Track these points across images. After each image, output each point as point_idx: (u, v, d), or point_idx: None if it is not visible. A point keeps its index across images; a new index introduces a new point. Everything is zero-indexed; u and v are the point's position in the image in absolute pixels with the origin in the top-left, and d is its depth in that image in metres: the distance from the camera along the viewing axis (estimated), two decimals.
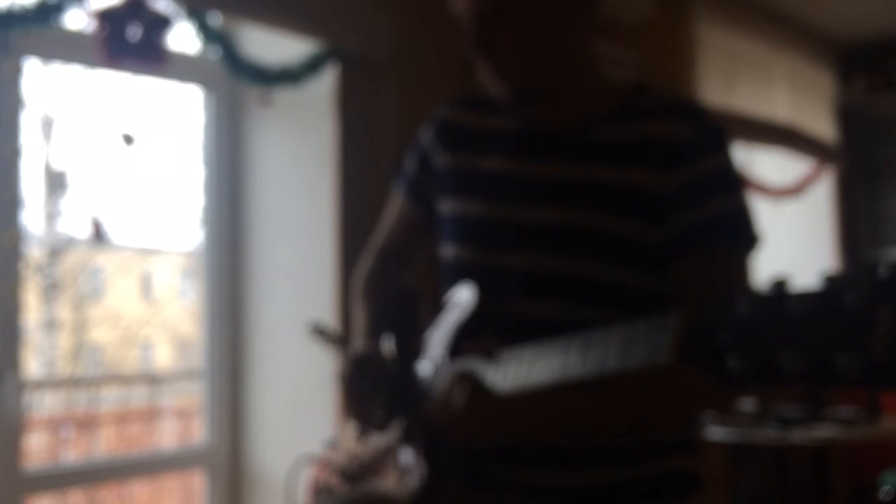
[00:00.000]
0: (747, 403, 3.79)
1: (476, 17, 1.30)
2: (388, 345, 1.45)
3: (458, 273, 1.39)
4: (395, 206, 1.57)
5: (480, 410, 1.19)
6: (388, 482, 1.38)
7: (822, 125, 5.22)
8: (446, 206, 1.45)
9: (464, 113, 1.48)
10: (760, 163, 4.94)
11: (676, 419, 1.31)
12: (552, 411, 1.21)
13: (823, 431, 3.47)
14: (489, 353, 1.19)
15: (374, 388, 1.39)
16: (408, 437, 1.35)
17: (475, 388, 1.19)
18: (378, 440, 1.42)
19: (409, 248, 1.59)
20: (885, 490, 3.94)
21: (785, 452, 3.97)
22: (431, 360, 1.36)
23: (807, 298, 0.78)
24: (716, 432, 3.53)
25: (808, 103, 5.10)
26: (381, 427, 1.40)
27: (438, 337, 1.36)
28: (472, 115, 1.47)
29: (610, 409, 1.23)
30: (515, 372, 1.15)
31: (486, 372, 1.19)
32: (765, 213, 4.88)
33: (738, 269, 1.29)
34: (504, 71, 1.32)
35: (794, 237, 5.18)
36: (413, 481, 1.31)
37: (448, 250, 1.43)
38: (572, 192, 1.32)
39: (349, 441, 1.50)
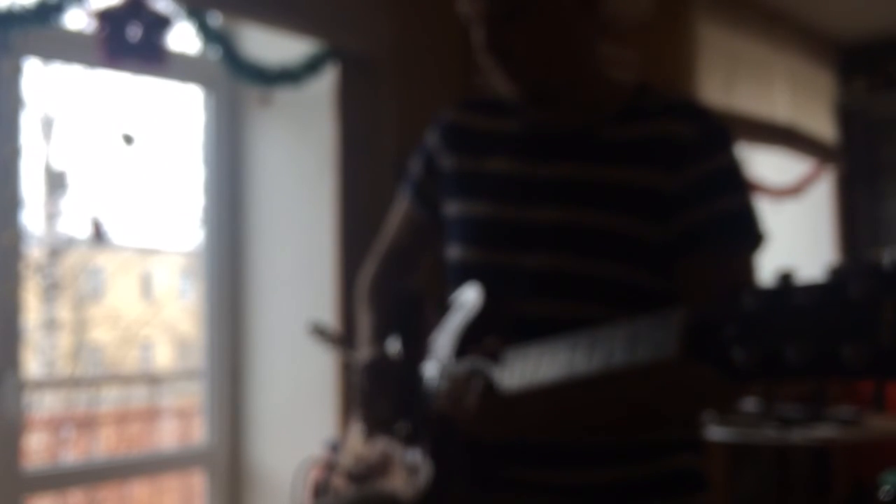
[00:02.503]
0: (748, 403, 3.79)
1: (488, 19, 1.30)
2: (394, 347, 1.45)
3: (464, 274, 1.39)
4: (400, 208, 1.57)
5: (491, 408, 1.19)
6: (395, 482, 1.38)
7: (822, 125, 5.22)
8: (452, 208, 1.45)
9: (469, 115, 1.49)
10: (760, 163, 4.94)
11: (684, 414, 1.31)
12: (561, 409, 1.22)
13: (823, 431, 3.46)
14: (495, 353, 1.19)
15: (382, 393, 1.39)
16: (414, 438, 1.35)
17: (485, 386, 1.19)
18: (385, 441, 1.42)
19: (415, 251, 1.59)
20: (885, 490, 3.94)
21: (785, 452, 3.97)
22: (438, 361, 1.36)
23: (811, 291, 0.78)
24: (716, 432, 3.53)
25: (808, 103, 5.10)
26: (389, 429, 1.41)
27: (444, 338, 1.36)
28: (477, 118, 1.47)
29: (618, 405, 1.23)
30: (522, 370, 1.15)
31: (494, 370, 1.19)
32: (765, 213, 4.87)
33: (744, 267, 1.29)
34: (517, 72, 1.32)
35: (794, 237, 5.18)
36: (420, 481, 1.31)
37: (454, 252, 1.43)
38: (578, 193, 1.33)
39: (355, 442, 1.50)
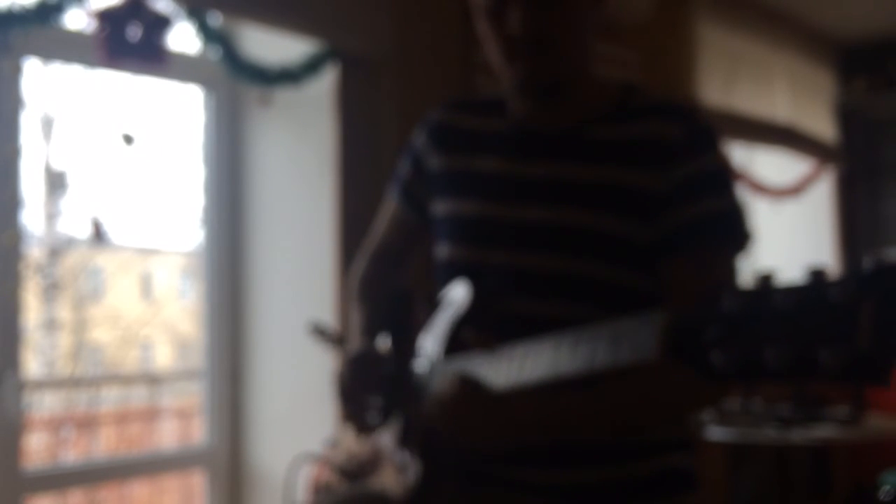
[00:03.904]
0: (747, 403, 3.79)
1: (525, 4, 1.30)
2: (384, 344, 1.45)
3: (452, 272, 1.39)
4: (388, 208, 1.59)
5: (478, 409, 1.19)
6: (386, 480, 1.38)
7: (822, 125, 5.22)
8: (441, 207, 1.45)
9: (457, 115, 1.49)
10: (760, 163, 4.94)
11: (666, 416, 1.31)
12: (547, 410, 1.21)
13: (823, 431, 3.47)
14: (484, 350, 1.19)
15: (369, 388, 1.39)
16: (404, 436, 1.36)
17: (472, 386, 1.19)
18: (376, 439, 1.42)
19: (403, 250, 1.60)
20: (885, 490, 3.94)
21: (785, 452, 3.97)
22: (427, 359, 1.36)
23: (790, 293, 0.78)
24: (716, 432, 3.53)
25: (808, 103, 5.10)
26: (376, 426, 1.41)
27: (433, 335, 1.36)
28: (465, 117, 1.48)
29: (602, 407, 1.23)
30: (508, 370, 1.15)
31: (481, 369, 1.19)
32: (765, 213, 4.88)
33: (727, 268, 1.29)
34: (543, 59, 1.32)
35: (794, 237, 5.18)
36: (409, 480, 1.31)
37: (443, 250, 1.44)
38: (566, 192, 1.33)
39: (348, 440, 1.50)
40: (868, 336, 0.73)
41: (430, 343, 1.37)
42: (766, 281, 0.80)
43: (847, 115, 5.37)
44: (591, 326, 1.04)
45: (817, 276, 0.77)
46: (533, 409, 1.20)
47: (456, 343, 1.30)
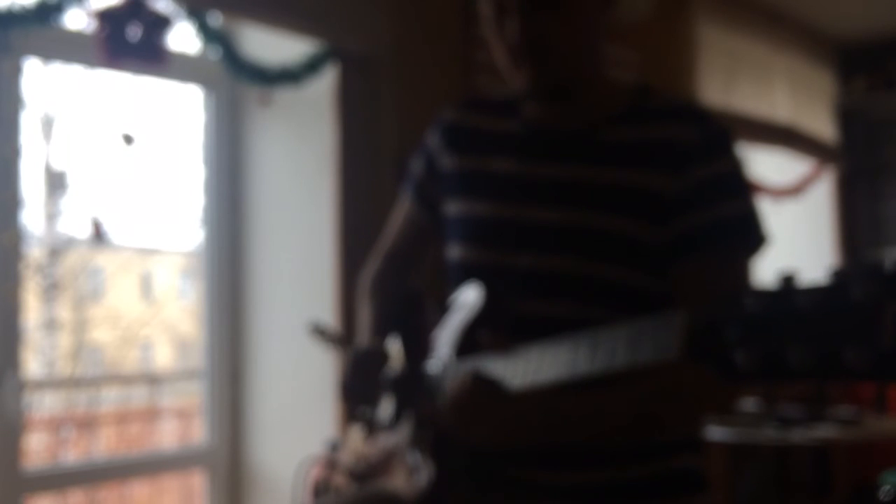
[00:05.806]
0: (748, 403, 3.79)
1: (522, 9, 1.30)
2: (394, 344, 1.45)
3: (464, 274, 1.39)
4: (401, 208, 1.58)
5: (492, 409, 1.19)
6: (397, 481, 1.38)
7: (822, 125, 5.22)
8: (453, 208, 1.45)
9: (470, 115, 1.49)
10: (760, 163, 4.94)
11: (686, 416, 1.30)
12: (562, 411, 1.21)
13: (823, 431, 3.46)
14: (498, 351, 1.19)
15: (374, 387, 1.39)
16: (416, 437, 1.35)
17: (487, 386, 1.19)
18: (386, 439, 1.42)
19: (416, 251, 1.59)
20: (885, 490, 3.94)
21: (785, 452, 3.97)
22: (439, 360, 1.36)
23: (814, 293, 0.78)
24: (716, 432, 3.53)
25: (808, 103, 5.10)
26: (384, 426, 1.41)
27: (446, 336, 1.36)
28: (478, 117, 1.48)
29: (619, 408, 1.23)
30: (524, 370, 1.15)
31: (496, 370, 1.19)
32: (765, 213, 4.88)
33: (741, 271, 1.29)
34: (544, 64, 1.32)
35: (794, 237, 5.18)
36: (421, 481, 1.31)
37: (455, 251, 1.44)
38: (579, 193, 1.33)
39: (356, 441, 1.50)
40: (892, 334, 0.73)
41: (442, 344, 1.37)
42: (788, 281, 0.80)
43: (847, 115, 5.37)
44: (608, 327, 1.04)
45: (839, 276, 0.77)
46: (548, 409, 1.20)
47: (469, 345, 1.30)
